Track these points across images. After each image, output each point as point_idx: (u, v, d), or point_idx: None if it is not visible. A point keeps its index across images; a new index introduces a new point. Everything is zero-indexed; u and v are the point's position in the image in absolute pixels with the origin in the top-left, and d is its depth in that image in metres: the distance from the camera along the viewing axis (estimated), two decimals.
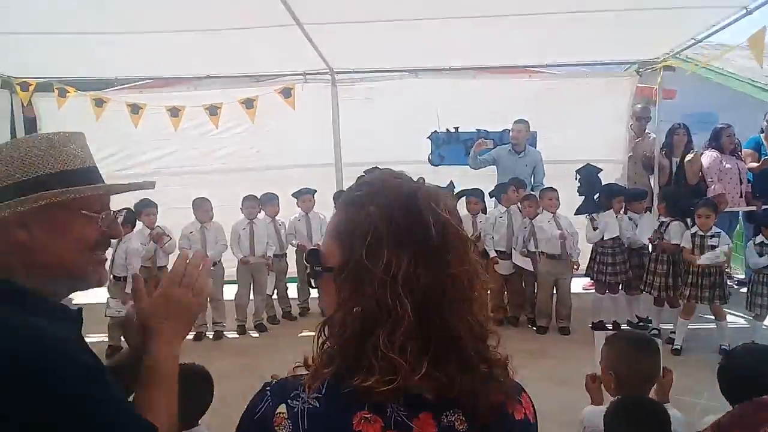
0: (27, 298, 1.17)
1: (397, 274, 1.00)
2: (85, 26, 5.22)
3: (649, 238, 6.05)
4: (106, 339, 5.88)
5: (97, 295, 5.87)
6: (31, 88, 7.17)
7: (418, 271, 1.01)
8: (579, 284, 7.15)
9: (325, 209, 7.06)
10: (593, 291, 6.56)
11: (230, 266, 6.70)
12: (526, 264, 6.36)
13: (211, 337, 6.39)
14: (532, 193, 6.76)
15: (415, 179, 1.13)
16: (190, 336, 6.24)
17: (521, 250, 6.41)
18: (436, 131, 7.84)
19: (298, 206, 7.04)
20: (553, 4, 5.23)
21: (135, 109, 7.35)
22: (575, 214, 6.75)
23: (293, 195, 7.06)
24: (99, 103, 7.28)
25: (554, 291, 6.34)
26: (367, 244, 1.02)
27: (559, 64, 8.19)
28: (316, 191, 7.10)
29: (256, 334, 6.61)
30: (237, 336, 6.54)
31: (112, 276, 5.87)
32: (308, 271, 1.14)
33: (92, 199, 1.25)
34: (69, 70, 7.27)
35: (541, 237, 6.29)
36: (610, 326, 6.22)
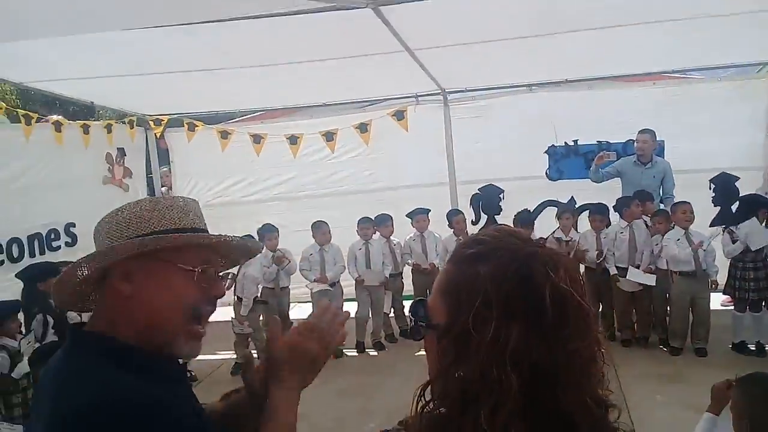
0: (129, 354, 1.19)
1: (506, 347, 0.90)
2: (210, 64, 5.55)
3: None
4: (234, 355, 6.18)
5: (224, 313, 6.21)
6: (164, 123, 7.76)
7: (530, 345, 0.91)
8: (716, 300, 6.58)
9: (440, 228, 7.03)
10: (732, 308, 6.03)
11: (348, 285, 6.82)
12: (647, 279, 5.96)
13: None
14: (662, 208, 6.34)
15: (534, 239, 1.03)
16: None
17: (646, 267, 6.02)
18: (553, 145, 7.57)
19: (413, 226, 7.05)
20: (681, 10, 4.89)
21: (257, 138, 7.73)
22: (710, 226, 6.24)
23: (407, 215, 7.08)
24: (224, 135, 7.75)
25: (690, 310, 5.87)
26: (474, 309, 0.93)
27: (686, 69, 7.70)
28: (430, 211, 7.08)
29: (375, 353, 6.67)
30: (356, 354, 6.62)
31: (235, 296, 6.19)
32: (411, 324, 1.09)
33: (191, 254, 1.25)
34: (196, 106, 7.81)
35: (665, 255, 5.88)
36: (752, 347, 5.70)
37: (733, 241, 5.79)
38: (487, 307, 0.93)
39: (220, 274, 1.34)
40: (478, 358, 0.91)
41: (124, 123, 7.64)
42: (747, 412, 2.34)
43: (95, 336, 1.22)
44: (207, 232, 1.31)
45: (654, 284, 5.96)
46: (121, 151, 7.54)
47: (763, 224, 5.75)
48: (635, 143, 6.78)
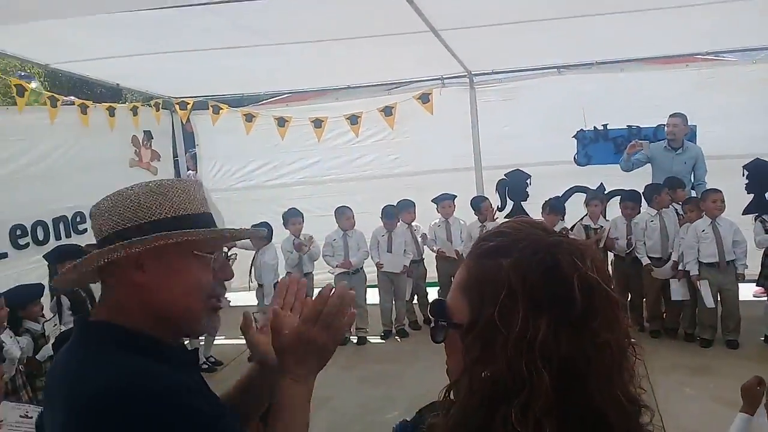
0: (144, 342, 1.18)
1: (534, 340, 0.86)
2: (236, 42, 5.50)
3: None
4: None
5: (247, 298, 6.23)
6: (189, 106, 7.75)
7: (559, 338, 0.86)
8: (749, 291, 6.44)
9: (465, 215, 6.94)
10: (766, 299, 5.87)
11: (371, 271, 6.79)
12: (687, 295, 5.81)
13: (354, 341, 6.50)
14: (693, 196, 6.17)
15: (557, 231, 0.99)
16: None
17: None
18: (582, 129, 7.39)
19: (438, 212, 6.97)
20: None
21: (281, 122, 7.70)
22: (743, 214, 6.05)
23: (433, 201, 7.00)
24: (249, 117, 7.72)
25: (719, 300, 5.72)
26: (499, 302, 0.89)
27: (720, 50, 7.46)
28: (456, 196, 6.99)
29: (398, 340, 6.65)
30: (381, 341, 6.62)
31: (251, 282, 6.27)
32: (432, 325, 1.04)
33: (205, 241, 1.25)
34: (222, 89, 7.77)
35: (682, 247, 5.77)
36: None
37: (766, 231, 5.61)
38: (512, 299, 0.88)
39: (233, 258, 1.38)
40: (506, 354, 0.87)
41: (150, 106, 7.66)
42: None
43: (106, 324, 1.20)
44: (211, 215, 1.32)
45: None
46: (148, 134, 7.56)
47: None
48: (666, 128, 6.59)
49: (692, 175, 6.56)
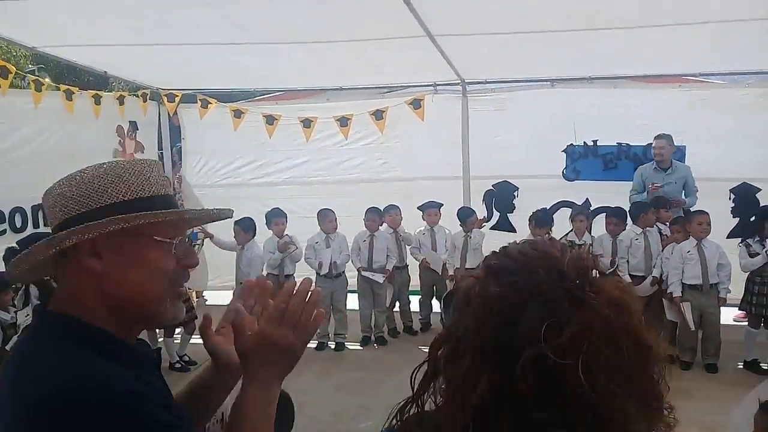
0: (101, 338, 1.10)
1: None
2: (228, 38, 5.42)
3: None
4: None
5: (226, 298, 6.12)
6: (177, 99, 7.63)
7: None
8: (729, 315, 6.45)
9: (451, 224, 6.89)
10: (746, 323, 5.87)
11: (354, 276, 6.71)
12: (679, 317, 5.78)
13: (332, 347, 6.41)
14: (680, 216, 6.17)
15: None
16: (313, 345, 6.39)
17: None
18: (572, 144, 7.37)
19: (424, 219, 6.91)
20: (716, 13, 4.71)
21: (270, 120, 7.60)
22: (728, 237, 6.05)
23: (419, 208, 6.95)
24: (238, 114, 7.61)
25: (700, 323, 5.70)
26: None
27: (715, 73, 7.48)
28: (442, 205, 6.95)
29: (376, 347, 6.55)
30: (360, 348, 6.52)
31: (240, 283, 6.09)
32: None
33: (165, 225, 1.17)
34: (212, 83, 7.65)
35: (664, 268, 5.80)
36: (765, 366, 5.54)
37: (751, 255, 5.61)
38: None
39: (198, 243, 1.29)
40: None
41: (137, 96, 7.53)
42: None
43: (64, 317, 1.12)
44: (173, 197, 1.24)
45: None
46: (133, 125, 7.43)
47: None
48: (653, 150, 6.59)
49: (683, 194, 6.55)
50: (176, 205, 1.23)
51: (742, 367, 5.63)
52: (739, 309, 6.01)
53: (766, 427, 2.30)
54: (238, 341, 1.21)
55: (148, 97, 7.60)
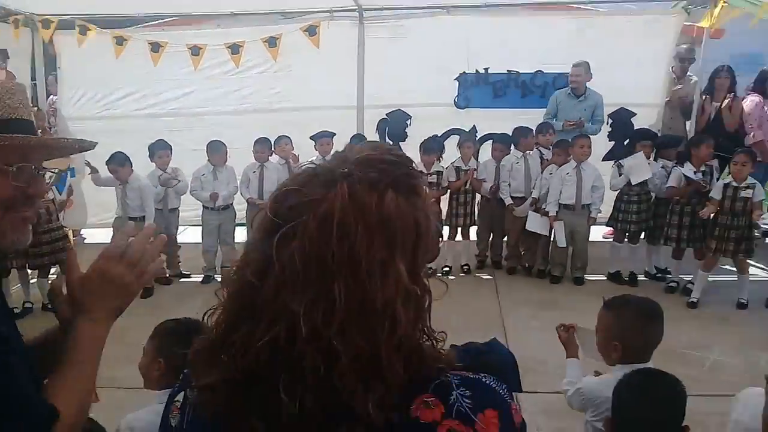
0: None
1: None
2: None
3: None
4: None
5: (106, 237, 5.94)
6: (53, 25, 7.14)
7: None
8: (599, 233, 6.89)
9: None
10: (612, 239, 6.29)
11: (242, 209, 6.63)
12: (541, 228, 6.08)
13: (219, 280, 6.33)
14: (563, 139, 6.36)
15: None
16: (199, 278, 6.27)
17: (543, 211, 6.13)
18: (464, 72, 7.42)
19: (316, 149, 6.85)
20: None
21: (155, 47, 7.23)
22: (603, 160, 6.33)
23: (312, 138, 6.85)
24: (119, 41, 7.20)
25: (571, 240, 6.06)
26: None
27: (602, 0, 7.62)
28: (335, 134, 6.87)
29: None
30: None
31: (128, 218, 5.90)
32: None
33: (7, 150, 1.11)
34: (91, 7, 7.16)
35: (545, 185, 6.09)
36: (627, 277, 5.98)
37: (620, 175, 5.92)
38: None
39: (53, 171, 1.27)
40: None
41: (7, 22, 6.98)
42: (620, 336, 2.40)
43: None
44: (29, 123, 1.18)
45: (547, 233, 6.07)
46: (3, 54, 6.95)
47: (650, 159, 5.89)
48: (569, 76, 6.72)
49: (590, 122, 6.72)
50: (33, 131, 1.18)
51: (605, 279, 6.03)
52: (606, 225, 6.40)
53: (608, 324, 2.46)
54: (71, 275, 1.20)
55: (20, 23, 7.05)
